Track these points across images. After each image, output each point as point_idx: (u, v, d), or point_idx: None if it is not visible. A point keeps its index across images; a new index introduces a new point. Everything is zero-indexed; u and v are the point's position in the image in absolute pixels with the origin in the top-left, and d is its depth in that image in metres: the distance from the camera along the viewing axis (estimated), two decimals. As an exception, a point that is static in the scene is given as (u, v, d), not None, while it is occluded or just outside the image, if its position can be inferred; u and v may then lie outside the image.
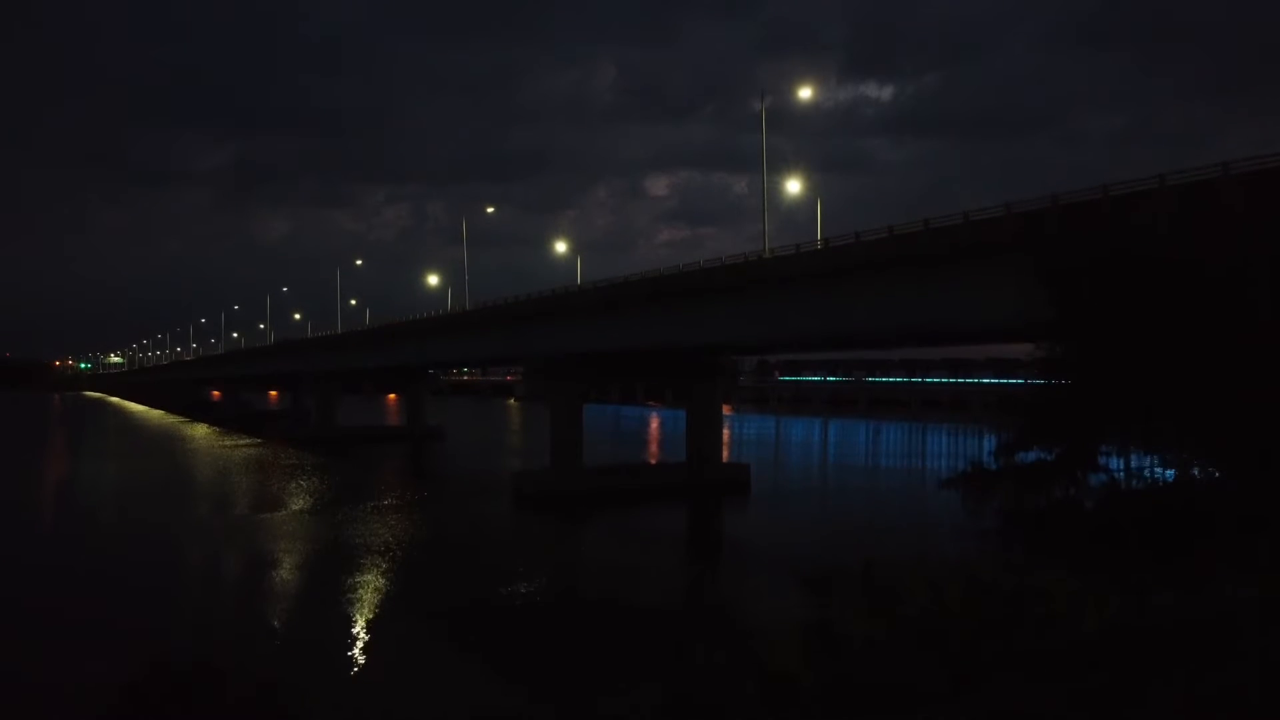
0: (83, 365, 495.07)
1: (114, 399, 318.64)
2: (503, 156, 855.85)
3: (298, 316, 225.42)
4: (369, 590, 38.93)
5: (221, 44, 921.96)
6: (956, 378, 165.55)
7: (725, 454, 79.45)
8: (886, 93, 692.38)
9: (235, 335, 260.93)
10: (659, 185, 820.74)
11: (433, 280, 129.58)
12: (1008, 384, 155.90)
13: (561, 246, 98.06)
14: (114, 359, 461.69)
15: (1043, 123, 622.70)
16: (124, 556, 48.23)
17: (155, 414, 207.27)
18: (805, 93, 48.92)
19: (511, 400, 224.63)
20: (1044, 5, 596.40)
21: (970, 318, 39.16)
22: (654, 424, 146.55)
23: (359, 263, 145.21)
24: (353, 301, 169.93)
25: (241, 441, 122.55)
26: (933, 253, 37.75)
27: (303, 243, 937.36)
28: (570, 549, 47.67)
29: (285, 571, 43.86)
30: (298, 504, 65.16)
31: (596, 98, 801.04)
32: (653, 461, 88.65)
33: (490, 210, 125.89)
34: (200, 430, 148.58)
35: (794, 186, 63.71)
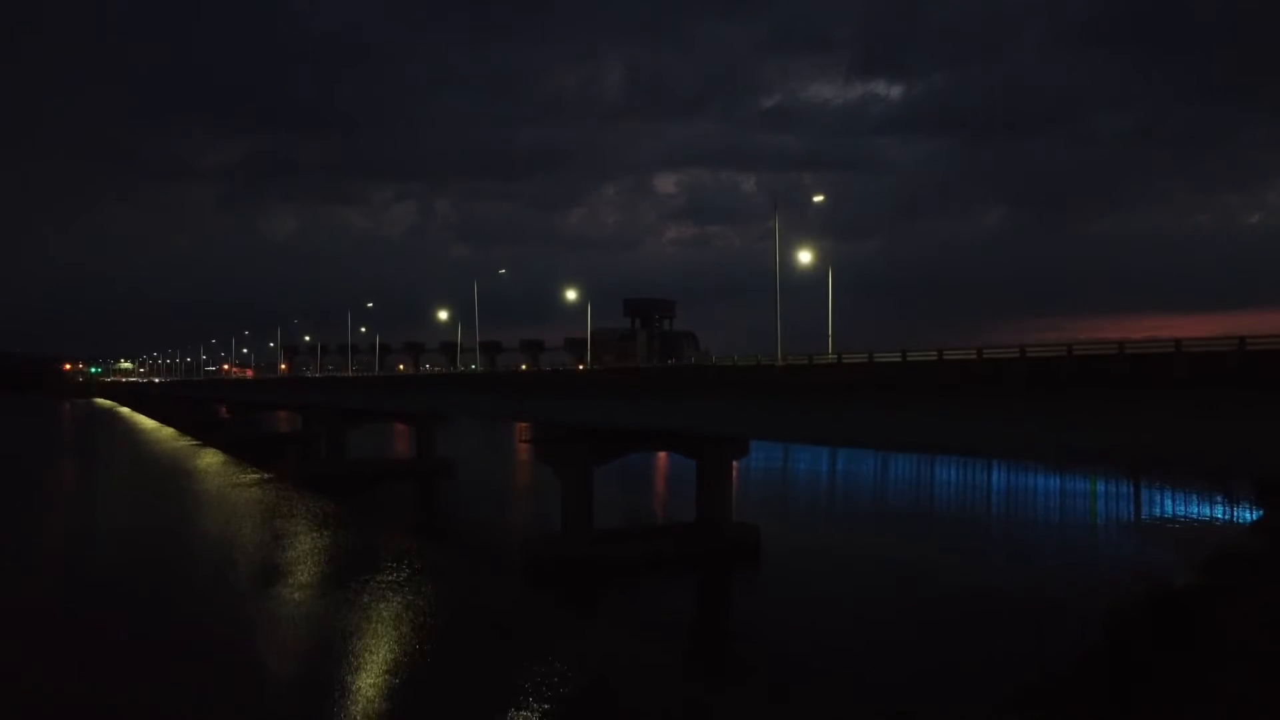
0: (93, 370, 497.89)
1: (124, 409, 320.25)
2: (511, 154, 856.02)
3: (307, 338, 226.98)
4: (368, 708, 38.86)
5: (229, 41, 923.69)
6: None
7: (733, 492, 78.53)
8: (895, 91, 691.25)
9: (245, 350, 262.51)
10: (667, 183, 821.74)
11: (442, 315, 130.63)
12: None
13: (571, 294, 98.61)
14: (124, 364, 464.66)
15: (1052, 122, 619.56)
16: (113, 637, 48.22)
17: (167, 433, 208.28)
18: (817, 201, 48.72)
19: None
20: (1054, 5, 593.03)
21: (983, 440, 39.13)
22: (661, 459, 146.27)
23: (370, 305, 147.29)
24: (363, 329, 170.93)
25: (250, 477, 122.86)
26: (947, 382, 37.69)
27: (311, 239, 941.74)
28: (578, 650, 47.40)
29: (279, 676, 43.94)
30: (302, 574, 64.96)
31: (605, 95, 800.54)
32: (661, 520, 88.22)
33: (503, 272, 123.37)
34: (210, 459, 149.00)
35: (805, 257, 64.01)
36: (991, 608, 55.76)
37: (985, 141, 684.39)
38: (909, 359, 39.11)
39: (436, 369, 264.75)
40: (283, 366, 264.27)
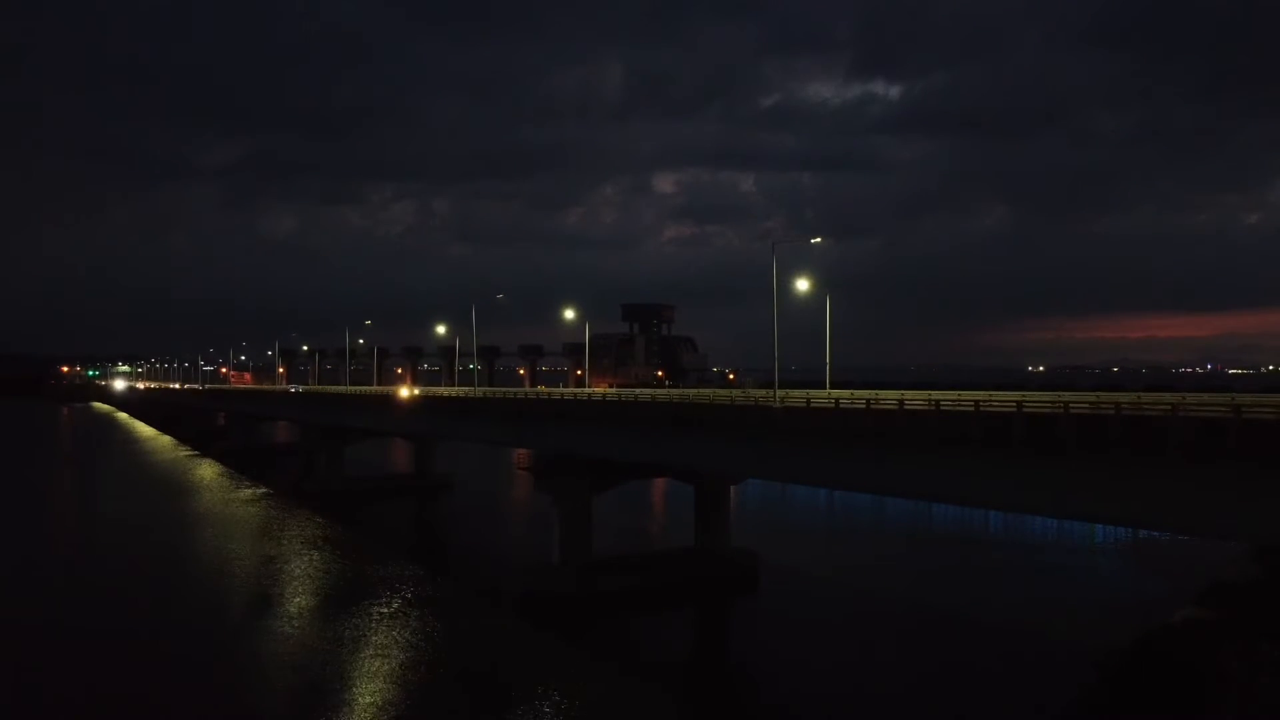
0: (90, 373, 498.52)
1: (122, 415, 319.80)
2: (511, 154, 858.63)
3: (305, 348, 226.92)
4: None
5: (230, 41, 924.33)
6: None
7: (731, 518, 77.86)
8: (894, 91, 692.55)
9: (244, 358, 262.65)
10: (666, 182, 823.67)
11: (440, 330, 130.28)
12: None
13: (570, 313, 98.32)
14: (122, 368, 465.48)
15: (1052, 122, 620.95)
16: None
17: (165, 442, 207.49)
18: (815, 242, 48.28)
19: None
20: (1054, 5, 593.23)
21: (980, 492, 38.66)
22: (658, 480, 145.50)
23: (368, 322, 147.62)
24: (360, 340, 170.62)
25: (247, 493, 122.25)
26: (947, 436, 37.24)
27: (310, 239, 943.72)
28: (575, 698, 46.87)
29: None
30: (296, 603, 64.36)
31: (605, 96, 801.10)
32: (658, 547, 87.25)
33: (500, 296, 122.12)
34: (208, 472, 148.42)
35: (803, 284, 63.55)
36: (989, 644, 55.40)
37: (985, 141, 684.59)
38: (906, 406, 38.68)
39: (435, 369, 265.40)
40: (281, 370, 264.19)
